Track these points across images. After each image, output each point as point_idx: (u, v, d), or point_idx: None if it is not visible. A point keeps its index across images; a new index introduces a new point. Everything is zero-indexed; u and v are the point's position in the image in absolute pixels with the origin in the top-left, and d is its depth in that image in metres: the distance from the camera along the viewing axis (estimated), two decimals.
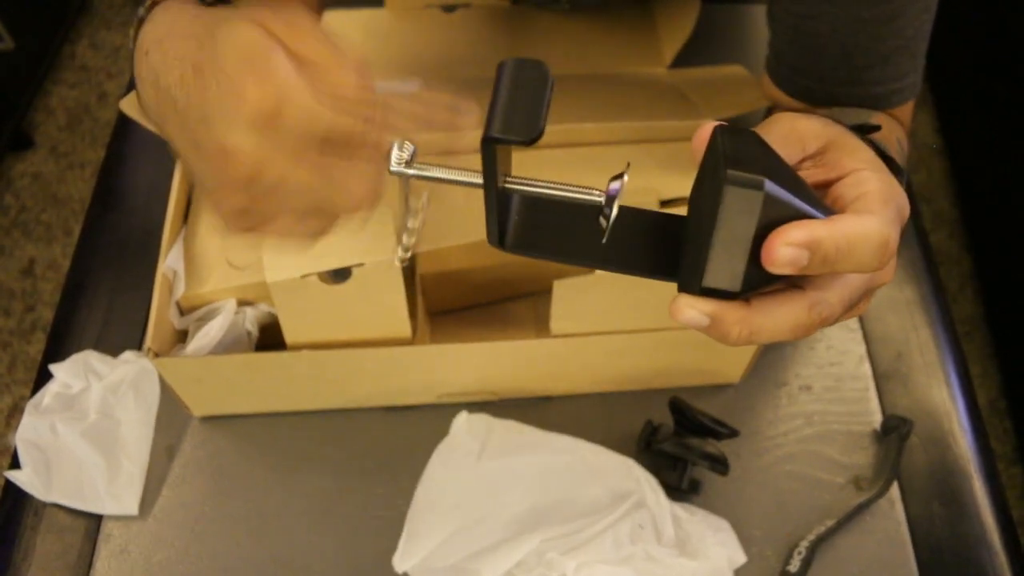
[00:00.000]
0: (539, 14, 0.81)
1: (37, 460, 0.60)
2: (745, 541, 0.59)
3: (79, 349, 0.65)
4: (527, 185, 0.36)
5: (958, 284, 1.62)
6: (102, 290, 0.70)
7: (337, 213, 0.38)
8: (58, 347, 0.67)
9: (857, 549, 0.59)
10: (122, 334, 0.68)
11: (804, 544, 0.58)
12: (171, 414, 0.64)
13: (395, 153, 0.37)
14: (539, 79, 0.34)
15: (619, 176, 0.35)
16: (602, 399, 0.65)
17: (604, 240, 0.36)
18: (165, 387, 0.63)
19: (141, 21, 0.43)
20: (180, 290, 0.58)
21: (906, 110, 0.56)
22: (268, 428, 0.64)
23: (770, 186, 0.32)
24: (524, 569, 0.55)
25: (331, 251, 0.53)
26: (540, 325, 0.62)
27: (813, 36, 0.53)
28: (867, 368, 0.67)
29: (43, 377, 0.64)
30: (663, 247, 0.38)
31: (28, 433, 0.61)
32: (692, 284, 0.35)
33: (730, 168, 0.31)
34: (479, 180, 0.35)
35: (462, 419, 0.62)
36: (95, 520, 0.60)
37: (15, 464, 0.61)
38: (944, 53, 1.58)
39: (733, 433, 0.58)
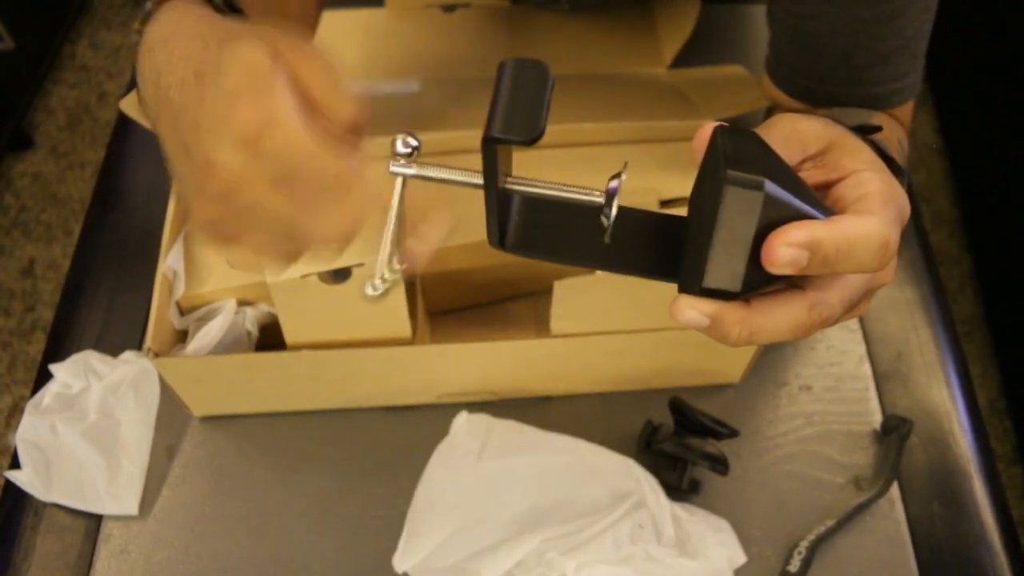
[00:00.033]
0: (539, 14, 0.82)
1: (37, 460, 0.60)
2: (745, 541, 0.59)
3: (79, 349, 0.65)
4: (527, 185, 0.36)
5: (958, 284, 1.63)
6: (102, 290, 0.70)
7: (309, 245, 0.38)
8: (58, 347, 0.67)
9: (857, 549, 0.59)
10: (122, 334, 0.68)
11: (804, 544, 0.58)
12: (171, 414, 0.64)
13: (399, 147, 0.37)
14: (539, 79, 0.34)
15: (617, 175, 0.35)
16: (602, 399, 0.65)
17: (605, 240, 0.36)
18: (165, 387, 0.63)
19: (147, 16, 0.43)
20: (180, 290, 0.58)
21: (906, 110, 0.56)
22: (268, 428, 0.64)
23: (770, 186, 0.32)
24: (524, 569, 0.55)
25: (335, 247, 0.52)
26: (540, 325, 0.62)
27: (813, 36, 0.53)
28: (867, 368, 0.67)
29: (43, 377, 0.64)
30: (663, 248, 0.38)
31: (28, 433, 0.61)
32: (692, 285, 0.35)
33: (730, 168, 0.31)
34: (479, 180, 0.35)
35: (462, 419, 0.62)
36: (95, 520, 0.60)
37: (15, 464, 0.61)
38: (944, 53, 1.58)
39: (733, 433, 0.58)
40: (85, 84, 1.89)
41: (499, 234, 0.37)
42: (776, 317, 0.35)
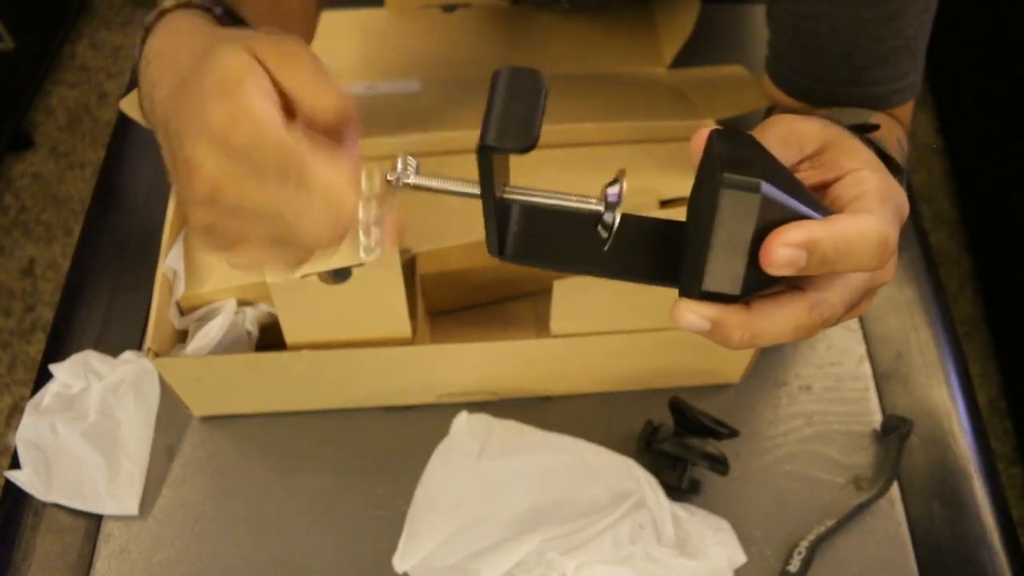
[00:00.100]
0: (539, 14, 0.82)
1: (37, 460, 0.60)
2: (745, 541, 0.59)
3: (79, 349, 0.65)
4: (525, 195, 0.36)
5: (958, 284, 1.62)
6: (102, 290, 0.70)
7: (302, 248, 0.37)
8: (58, 347, 0.67)
9: (857, 549, 0.59)
10: (122, 334, 0.68)
11: (804, 544, 0.58)
12: (171, 414, 0.64)
13: (399, 165, 0.37)
14: (534, 87, 0.34)
15: (615, 182, 0.35)
16: (602, 399, 0.65)
17: (606, 248, 0.36)
18: (165, 387, 0.63)
19: (148, 30, 0.43)
20: (180, 290, 0.58)
21: (906, 110, 0.56)
22: (268, 428, 0.64)
23: (767, 188, 0.32)
24: (524, 569, 0.55)
25: (331, 251, 0.52)
26: (540, 325, 0.62)
27: (813, 36, 0.53)
28: (867, 368, 0.67)
29: (43, 377, 0.64)
30: (663, 252, 0.38)
31: (28, 433, 0.61)
32: (692, 289, 0.35)
33: (726, 171, 0.31)
34: (476, 191, 0.35)
35: (462, 419, 0.62)
36: (95, 520, 0.60)
37: (15, 464, 0.61)
38: (944, 53, 1.58)
39: (733, 433, 0.58)
40: (85, 84, 1.89)
41: (498, 243, 0.37)
42: (777, 319, 0.35)
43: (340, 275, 0.53)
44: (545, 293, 0.56)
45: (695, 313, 0.35)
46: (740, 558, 0.58)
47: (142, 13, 0.45)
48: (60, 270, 1.62)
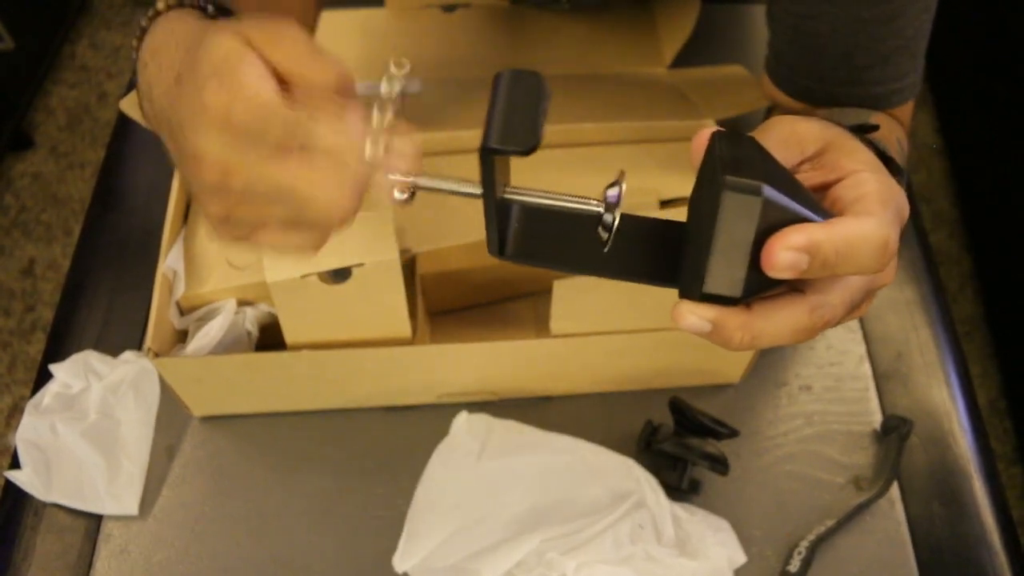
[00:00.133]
0: (539, 14, 0.81)
1: (37, 460, 0.60)
2: (745, 541, 0.59)
3: (79, 349, 0.65)
4: (526, 195, 0.36)
5: (958, 284, 1.63)
6: (102, 290, 0.70)
7: (319, 224, 0.37)
8: (58, 347, 0.67)
9: (857, 549, 0.59)
10: (122, 334, 0.68)
11: (804, 544, 0.58)
12: (171, 414, 0.64)
13: (395, 192, 0.37)
14: (535, 89, 0.34)
15: (615, 184, 0.35)
16: (602, 399, 0.65)
17: (605, 249, 0.36)
18: (165, 387, 0.63)
19: (144, 31, 0.43)
20: (180, 290, 0.58)
21: (906, 110, 0.56)
22: (268, 428, 0.64)
23: (768, 191, 0.32)
24: (524, 569, 0.55)
25: (331, 251, 0.53)
26: (540, 325, 0.62)
27: (813, 36, 0.53)
28: (867, 368, 0.67)
29: (43, 377, 0.64)
30: (663, 253, 0.38)
31: (28, 433, 0.61)
32: (693, 290, 0.35)
33: (728, 174, 0.31)
34: (478, 191, 0.35)
35: (462, 419, 0.62)
36: (95, 520, 0.60)
37: (15, 464, 0.61)
38: (944, 53, 1.58)
39: (733, 433, 0.58)
40: (85, 84, 1.89)
41: (499, 243, 0.37)
42: (777, 321, 0.35)
43: (340, 275, 0.53)
44: (545, 293, 0.56)
45: (695, 315, 0.35)
46: (740, 558, 0.58)
47: (142, 13, 0.45)
48: (60, 270, 1.62)
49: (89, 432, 0.61)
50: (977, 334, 1.56)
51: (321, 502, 0.61)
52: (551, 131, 0.34)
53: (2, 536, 0.60)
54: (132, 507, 0.60)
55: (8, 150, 1.75)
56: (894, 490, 0.62)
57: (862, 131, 0.47)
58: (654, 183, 0.61)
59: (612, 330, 0.58)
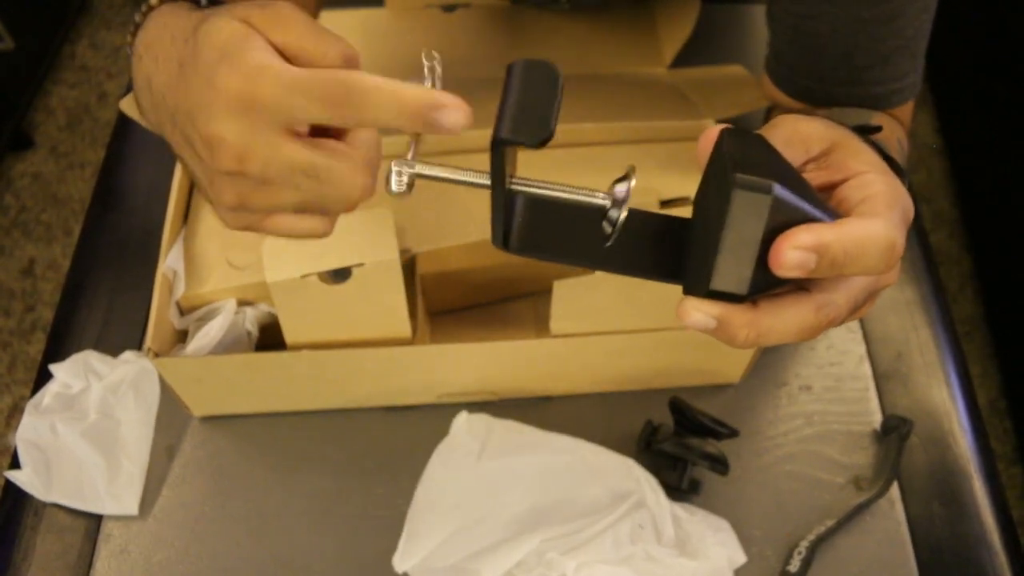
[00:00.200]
0: (539, 14, 0.81)
1: (37, 460, 0.60)
2: (745, 541, 0.59)
3: (79, 349, 0.65)
4: (533, 186, 0.36)
5: (958, 284, 1.62)
6: (102, 290, 0.70)
7: (332, 207, 0.37)
8: (58, 347, 0.67)
9: (857, 549, 0.59)
10: (122, 334, 0.68)
11: (804, 544, 0.58)
12: (171, 414, 0.64)
13: (394, 176, 0.36)
14: (549, 80, 0.34)
15: (624, 179, 0.35)
16: (602, 399, 0.65)
17: (609, 243, 0.36)
18: (165, 387, 0.63)
19: (137, 27, 0.43)
20: (180, 290, 0.58)
21: (906, 110, 0.56)
22: (268, 428, 0.64)
23: (778, 189, 0.32)
24: (524, 569, 0.55)
25: (331, 251, 0.53)
26: (540, 325, 0.62)
27: (813, 36, 0.53)
28: (867, 368, 0.67)
29: (43, 377, 0.64)
30: (667, 249, 0.38)
31: (28, 433, 0.61)
32: (699, 287, 0.35)
33: (738, 172, 0.31)
34: (485, 181, 0.35)
35: (462, 419, 0.62)
36: (95, 520, 0.60)
37: (15, 464, 0.61)
38: (944, 53, 1.58)
39: (733, 433, 0.58)
40: (85, 84, 1.89)
41: (503, 235, 0.37)
42: (783, 319, 0.35)
43: (340, 275, 0.53)
44: (545, 293, 0.56)
45: (701, 312, 0.35)
46: (740, 558, 0.58)
47: (136, 9, 0.45)
48: (60, 270, 1.62)
49: (89, 432, 0.61)
50: (977, 334, 1.56)
51: (321, 502, 0.61)
52: None
53: (2, 536, 0.60)
54: (132, 507, 0.60)
55: (8, 150, 1.75)
56: (894, 490, 0.62)
57: (864, 132, 0.47)
58: (654, 183, 0.61)
59: (612, 330, 0.58)
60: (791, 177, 0.33)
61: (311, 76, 0.34)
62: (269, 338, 0.59)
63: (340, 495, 0.61)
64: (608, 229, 0.35)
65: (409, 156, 0.36)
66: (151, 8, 0.43)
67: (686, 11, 0.79)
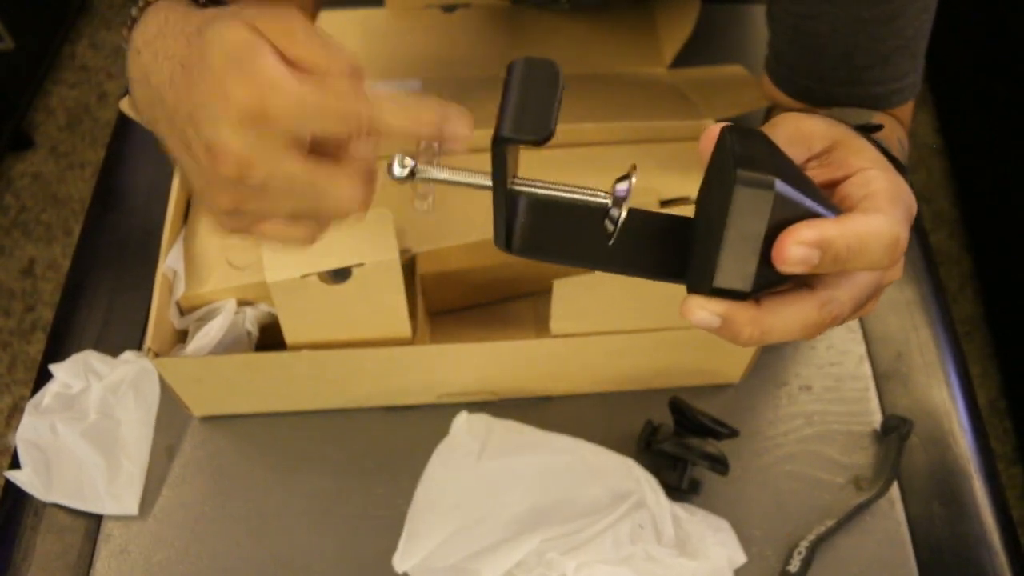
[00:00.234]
0: (539, 14, 0.81)
1: (37, 460, 0.60)
2: (745, 541, 0.59)
3: (79, 349, 0.65)
4: (535, 186, 0.36)
5: (958, 284, 1.62)
6: (102, 290, 0.70)
7: (327, 217, 0.38)
8: (58, 347, 0.67)
9: (857, 549, 0.59)
10: (122, 334, 0.68)
11: (804, 544, 0.58)
12: (171, 414, 0.64)
13: (396, 167, 0.36)
14: (550, 78, 0.34)
15: (625, 177, 0.35)
16: (602, 399, 0.65)
17: (611, 242, 0.36)
18: (165, 387, 0.63)
19: (134, 21, 0.43)
20: (180, 290, 0.58)
21: (906, 110, 0.56)
22: (268, 428, 0.64)
23: (780, 185, 0.32)
24: (524, 569, 0.55)
25: (331, 251, 0.53)
26: (540, 325, 0.62)
27: (813, 36, 0.53)
28: (867, 368, 0.67)
29: (43, 377, 0.64)
30: (669, 248, 0.38)
31: (28, 433, 0.61)
32: (702, 285, 0.35)
33: (740, 168, 0.31)
34: (487, 182, 0.35)
35: (462, 419, 0.62)
36: (95, 520, 0.60)
37: (15, 464, 0.61)
38: (944, 53, 1.58)
39: (733, 433, 0.58)
40: (85, 84, 1.89)
41: (506, 236, 0.37)
42: (787, 316, 0.35)
43: (340, 275, 0.53)
44: (545, 293, 0.56)
45: (705, 309, 0.35)
46: (740, 558, 0.58)
47: (133, 4, 0.45)
48: (60, 270, 1.62)
49: (89, 432, 0.61)
50: (977, 334, 1.56)
51: (321, 502, 0.61)
52: None
53: (2, 536, 0.60)
54: (132, 507, 0.60)
55: (8, 150, 1.75)
56: (894, 490, 0.62)
57: (866, 130, 0.47)
58: (654, 183, 0.61)
59: (612, 330, 0.58)
60: (793, 174, 0.33)
61: (323, 93, 0.34)
62: (269, 338, 0.59)
63: (340, 495, 0.61)
64: (610, 228, 0.35)
65: (399, 164, 0.37)
66: (148, 3, 0.43)
67: (686, 11, 0.79)
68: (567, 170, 0.61)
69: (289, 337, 0.57)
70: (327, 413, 0.64)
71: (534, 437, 0.61)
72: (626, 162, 0.36)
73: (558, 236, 0.39)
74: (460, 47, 0.80)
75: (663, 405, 0.60)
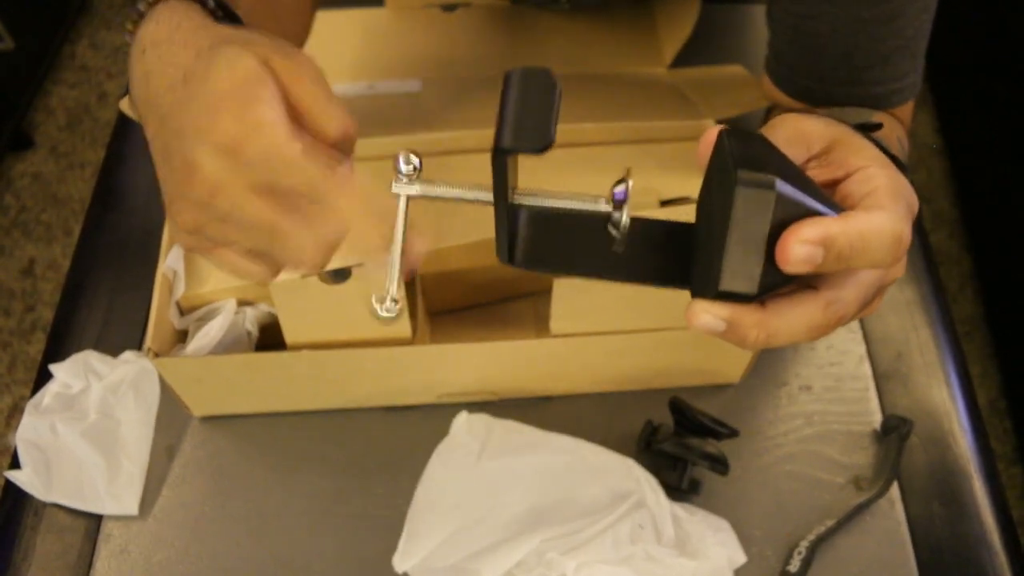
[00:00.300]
0: (539, 14, 0.81)
1: (37, 460, 0.60)
2: (745, 541, 0.59)
3: (79, 349, 0.65)
4: (536, 198, 0.36)
5: (958, 284, 1.62)
6: (102, 290, 0.70)
7: (280, 263, 0.38)
8: (58, 347, 0.67)
9: (857, 549, 0.59)
10: (122, 334, 0.68)
11: (804, 544, 0.58)
12: (171, 414, 0.64)
13: (402, 166, 0.36)
14: (547, 87, 0.34)
15: (622, 181, 0.35)
16: (602, 399, 0.65)
17: (619, 249, 0.36)
18: (165, 387, 0.63)
19: (141, 16, 0.43)
20: (180, 290, 0.58)
21: (906, 110, 0.56)
22: (268, 428, 0.64)
23: (781, 185, 0.32)
24: (524, 569, 0.55)
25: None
26: (540, 325, 0.62)
27: (813, 36, 0.53)
28: (867, 368, 0.67)
29: (43, 377, 0.64)
30: (671, 256, 0.38)
31: (28, 433, 0.61)
32: (707, 289, 0.34)
33: (740, 169, 0.31)
34: (487, 197, 0.35)
35: (462, 419, 0.62)
36: (95, 520, 0.60)
37: (15, 464, 0.61)
38: (944, 53, 1.58)
39: (733, 433, 0.58)
40: (85, 84, 1.89)
41: (508, 250, 0.37)
42: (792, 318, 0.35)
43: (340, 275, 0.53)
44: (545, 293, 0.56)
45: (710, 314, 0.34)
46: (740, 558, 0.58)
47: None
48: (60, 270, 1.62)
49: (89, 432, 0.61)
50: (977, 334, 1.56)
51: (321, 502, 0.61)
52: None
53: (2, 536, 0.60)
54: (132, 507, 0.60)
55: (8, 150, 1.76)
56: (894, 490, 0.62)
57: (865, 129, 0.47)
58: (654, 183, 0.60)
59: (612, 330, 0.58)
60: (794, 173, 0.33)
61: (303, 154, 0.34)
62: (269, 338, 0.59)
63: (340, 495, 0.61)
64: (614, 233, 0.35)
65: (404, 164, 0.37)
66: (156, 0, 0.43)
67: (686, 11, 0.79)
68: (567, 170, 0.61)
69: (289, 337, 0.57)
70: (327, 413, 0.64)
71: (534, 437, 0.61)
72: (626, 162, 0.36)
73: (560, 247, 0.38)
74: (460, 47, 0.80)
75: (663, 405, 0.60)
